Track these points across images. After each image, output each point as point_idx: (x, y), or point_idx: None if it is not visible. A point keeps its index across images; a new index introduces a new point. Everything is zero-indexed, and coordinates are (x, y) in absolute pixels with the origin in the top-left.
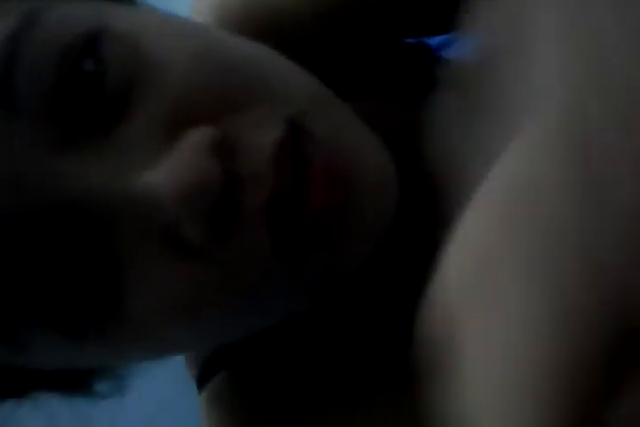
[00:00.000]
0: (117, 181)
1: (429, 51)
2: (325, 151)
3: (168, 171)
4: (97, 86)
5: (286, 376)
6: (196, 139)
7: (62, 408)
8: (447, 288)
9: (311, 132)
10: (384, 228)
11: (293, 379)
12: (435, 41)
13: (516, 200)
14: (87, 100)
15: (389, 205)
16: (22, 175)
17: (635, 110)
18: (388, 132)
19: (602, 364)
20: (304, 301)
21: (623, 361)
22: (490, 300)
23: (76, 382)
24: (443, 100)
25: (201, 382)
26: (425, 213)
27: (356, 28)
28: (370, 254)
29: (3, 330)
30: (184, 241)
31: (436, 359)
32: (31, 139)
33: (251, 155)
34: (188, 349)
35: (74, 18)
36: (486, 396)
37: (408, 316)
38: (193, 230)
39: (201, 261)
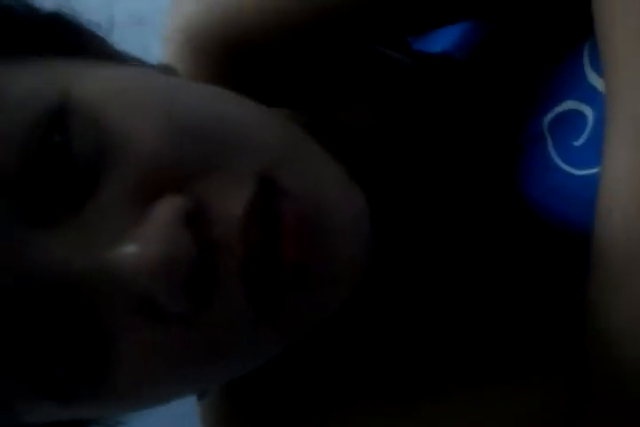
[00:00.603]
0: (91, 256)
1: (411, 53)
2: (296, 203)
3: (140, 245)
4: (65, 161)
5: (283, 387)
6: (166, 210)
7: None
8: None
9: (283, 187)
10: (361, 269)
11: (290, 390)
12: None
13: None
14: (56, 177)
15: (364, 247)
16: None
17: None
18: (369, 139)
19: None
20: (287, 343)
21: None
22: None
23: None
24: None
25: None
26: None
27: (327, 38)
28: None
29: None
30: (163, 311)
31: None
32: (1, 220)
33: (220, 221)
34: (176, 399)
35: (36, 92)
36: None
37: (401, 330)
38: (171, 304)
39: (182, 326)
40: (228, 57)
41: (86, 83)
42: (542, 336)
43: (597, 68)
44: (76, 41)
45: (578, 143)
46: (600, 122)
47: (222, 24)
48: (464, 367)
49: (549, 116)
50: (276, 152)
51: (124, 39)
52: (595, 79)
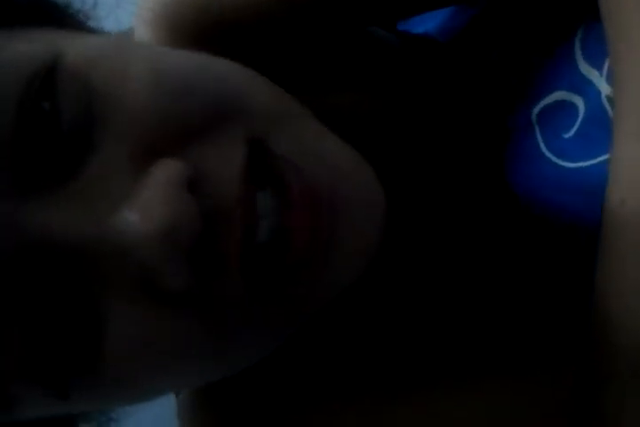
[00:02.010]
0: (90, 223)
1: (397, 33)
2: (300, 175)
3: (144, 210)
4: (55, 127)
5: (268, 382)
6: (165, 173)
7: None
8: None
9: (276, 153)
10: (372, 250)
11: (277, 384)
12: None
13: None
14: (48, 142)
15: (376, 223)
16: None
17: None
18: (363, 123)
19: None
20: (284, 333)
21: None
22: None
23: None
24: None
25: None
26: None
27: (315, 20)
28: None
29: None
30: (163, 286)
31: None
32: None
33: (219, 187)
34: (171, 390)
35: (26, 56)
36: None
37: (398, 324)
38: (172, 275)
39: (179, 305)
40: (209, 40)
41: (75, 48)
42: (543, 329)
43: (589, 57)
44: (61, 15)
45: (568, 135)
46: (591, 114)
47: (203, 5)
48: (465, 361)
49: (538, 107)
50: (273, 114)
51: (107, 17)
52: (586, 68)
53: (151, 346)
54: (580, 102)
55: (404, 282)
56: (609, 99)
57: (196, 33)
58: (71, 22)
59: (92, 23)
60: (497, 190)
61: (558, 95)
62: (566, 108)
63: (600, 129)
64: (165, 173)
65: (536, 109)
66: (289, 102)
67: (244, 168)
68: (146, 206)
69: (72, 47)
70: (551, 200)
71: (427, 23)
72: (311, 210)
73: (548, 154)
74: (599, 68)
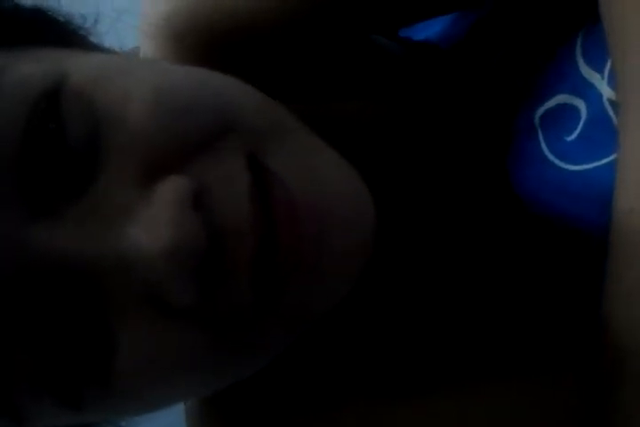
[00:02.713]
0: (96, 242)
1: (399, 41)
2: (289, 191)
3: (149, 227)
4: (61, 148)
5: (273, 385)
6: (171, 190)
7: None
8: None
9: (272, 171)
10: (364, 260)
11: (280, 387)
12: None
13: None
14: (53, 163)
15: (365, 237)
16: None
17: None
18: (366, 129)
19: None
20: (289, 339)
21: None
22: None
23: None
24: None
25: None
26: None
27: (318, 29)
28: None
29: (4, 405)
30: (169, 303)
31: None
32: (3, 210)
33: (224, 202)
34: (178, 401)
35: (31, 78)
36: None
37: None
38: (179, 292)
39: (187, 319)
40: (212, 52)
41: (79, 68)
42: (544, 331)
43: (590, 60)
44: (63, 33)
45: (570, 138)
46: (593, 116)
47: (207, 16)
48: (465, 363)
49: (541, 110)
50: (264, 129)
51: (108, 32)
52: (588, 72)
53: (159, 359)
54: (581, 105)
55: (406, 285)
56: (610, 102)
57: (198, 45)
58: (73, 39)
59: (93, 39)
60: (500, 194)
61: (560, 98)
62: (568, 112)
63: (602, 132)
64: (171, 190)
65: (538, 113)
66: (284, 117)
67: (250, 183)
68: (152, 224)
69: (75, 67)
70: (553, 203)
71: (428, 30)
72: (295, 222)
73: (550, 157)
74: (600, 71)
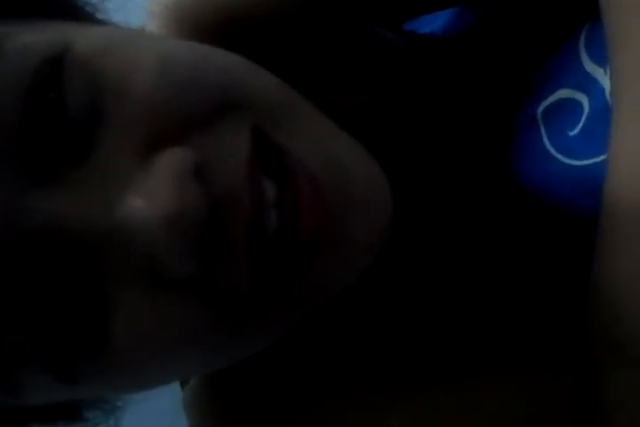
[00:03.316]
0: (96, 209)
1: (403, 34)
2: (307, 167)
3: (150, 197)
4: (62, 116)
5: (271, 374)
6: (173, 162)
7: None
8: None
9: (283, 147)
10: (381, 244)
11: (279, 377)
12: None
13: None
14: (55, 131)
15: (384, 220)
16: None
17: None
18: (368, 122)
19: None
20: (291, 326)
21: None
22: None
23: (68, 413)
24: None
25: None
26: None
27: (322, 20)
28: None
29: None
30: (168, 274)
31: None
32: (2, 177)
33: (225, 174)
34: (179, 378)
35: (34, 46)
36: None
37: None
38: (179, 263)
39: (188, 293)
40: (218, 38)
41: (84, 38)
42: (545, 327)
43: (594, 55)
44: (70, 7)
45: (573, 133)
46: (596, 111)
47: (213, 3)
48: (465, 358)
49: (543, 105)
50: (275, 106)
51: (117, 10)
52: (591, 66)
53: (157, 332)
54: (584, 100)
55: (407, 277)
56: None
57: (206, 28)
58: (80, 14)
59: (101, 16)
60: (503, 189)
61: (563, 93)
62: (571, 106)
63: (605, 126)
64: (171, 161)
65: (541, 107)
66: (296, 98)
67: (249, 153)
68: (152, 194)
69: (80, 37)
70: (556, 198)
71: (432, 23)
72: (319, 198)
73: (552, 152)
74: (604, 65)
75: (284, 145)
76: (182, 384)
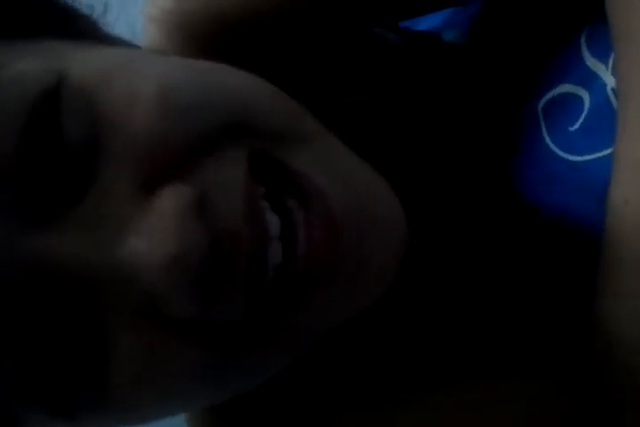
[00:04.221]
0: (96, 250)
1: (400, 31)
2: (319, 189)
3: (151, 237)
4: (59, 151)
5: (275, 390)
6: (173, 200)
7: None
8: None
9: (295, 170)
10: (397, 267)
11: (282, 392)
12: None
13: None
14: (51, 167)
15: (399, 243)
16: None
17: None
18: (368, 123)
19: None
20: (294, 356)
21: None
22: None
23: None
24: None
25: None
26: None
27: (320, 22)
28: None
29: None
30: (169, 313)
31: None
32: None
33: (225, 209)
34: (184, 411)
35: (31, 76)
36: None
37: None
38: (181, 303)
39: (187, 332)
40: (217, 43)
41: (80, 64)
42: (546, 330)
43: (595, 51)
44: (70, 24)
45: (573, 128)
46: (597, 107)
47: (205, 8)
48: (470, 360)
49: (543, 100)
50: (283, 128)
51: (117, 21)
52: (592, 63)
53: (157, 371)
54: (585, 95)
55: (409, 284)
56: (614, 91)
57: (204, 32)
58: (80, 30)
59: (103, 27)
60: (503, 187)
61: (564, 88)
62: (572, 101)
63: (605, 122)
64: (171, 199)
65: (541, 103)
66: (303, 116)
67: (248, 187)
68: (153, 234)
69: (77, 63)
70: (555, 193)
71: (429, 20)
72: (334, 226)
73: (552, 147)
74: (605, 61)
75: (293, 167)
76: None
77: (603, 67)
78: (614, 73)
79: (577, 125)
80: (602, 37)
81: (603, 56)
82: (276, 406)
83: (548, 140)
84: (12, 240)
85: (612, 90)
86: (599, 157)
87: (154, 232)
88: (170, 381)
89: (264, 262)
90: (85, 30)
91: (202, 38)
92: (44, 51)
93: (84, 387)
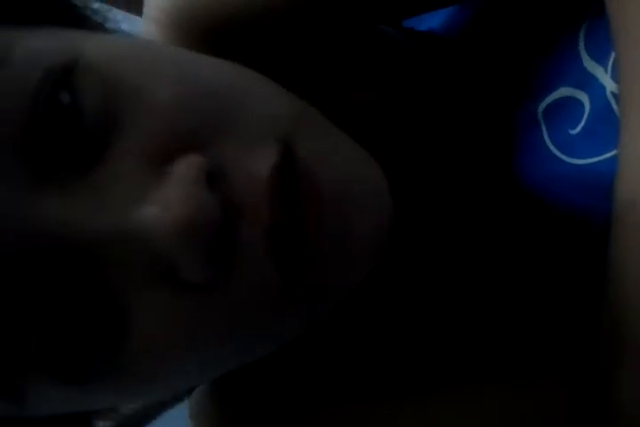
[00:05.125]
0: (108, 215)
1: (403, 30)
2: (311, 176)
3: (163, 205)
4: (74, 120)
5: (277, 383)
6: (187, 169)
7: None
8: None
9: (301, 156)
10: (382, 244)
11: (284, 387)
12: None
13: None
14: (65, 135)
15: (385, 222)
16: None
17: None
18: (369, 120)
19: None
20: (303, 325)
21: None
22: None
23: (77, 424)
24: None
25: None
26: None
27: (321, 19)
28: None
29: (2, 384)
30: (183, 277)
31: None
32: (7, 179)
33: (244, 182)
34: (191, 384)
35: (45, 51)
36: None
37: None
38: (193, 269)
39: (202, 295)
40: (215, 41)
41: (96, 44)
42: (549, 331)
43: (593, 53)
44: (79, 16)
45: (574, 131)
46: (597, 110)
47: (205, 6)
48: (468, 364)
49: (543, 103)
50: (292, 119)
51: (122, 20)
52: (591, 65)
53: (174, 335)
54: (585, 98)
55: (409, 281)
56: (614, 95)
57: (206, 33)
58: (89, 23)
59: (109, 26)
60: (505, 189)
61: (563, 91)
62: (572, 105)
63: (606, 125)
64: (185, 167)
65: (542, 106)
66: (308, 108)
67: (277, 163)
68: (165, 201)
69: (92, 44)
70: (558, 197)
71: (430, 20)
72: (319, 201)
73: (554, 150)
74: (604, 64)
75: (303, 156)
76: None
77: (601, 69)
78: (613, 76)
79: (578, 129)
80: (600, 39)
81: (601, 58)
82: (278, 404)
83: (549, 143)
84: (22, 200)
85: (612, 93)
86: (600, 160)
87: (164, 198)
88: (186, 345)
89: (282, 231)
90: (95, 24)
91: (203, 38)
92: (56, 33)
93: (99, 352)
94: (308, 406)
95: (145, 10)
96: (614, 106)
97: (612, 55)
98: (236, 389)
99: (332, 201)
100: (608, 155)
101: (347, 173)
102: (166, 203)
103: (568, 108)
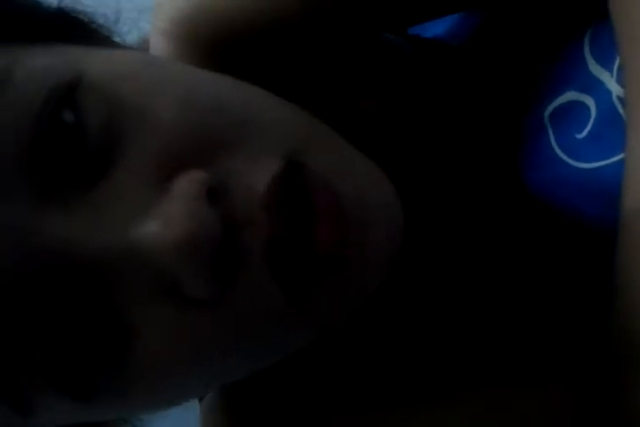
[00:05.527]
0: (110, 232)
1: (408, 37)
2: (328, 187)
3: (164, 221)
4: (78, 139)
5: (286, 391)
6: (189, 185)
7: None
8: None
9: (312, 169)
10: (393, 258)
11: (293, 394)
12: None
13: None
14: (69, 153)
15: (398, 235)
16: (2, 232)
17: None
18: (375, 128)
19: None
20: (312, 337)
21: None
22: None
23: None
24: None
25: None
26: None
27: (325, 29)
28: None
29: (10, 396)
30: (186, 293)
31: None
32: (13, 198)
33: (243, 195)
34: (197, 396)
35: (49, 70)
36: None
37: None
38: (196, 285)
39: (207, 310)
40: (222, 53)
41: (100, 62)
42: (555, 336)
43: (599, 57)
44: (84, 32)
45: (581, 136)
46: (603, 114)
47: (213, 18)
48: (476, 369)
49: (550, 108)
50: (300, 135)
51: (130, 31)
52: (596, 69)
53: (177, 350)
54: (591, 103)
55: (419, 288)
56: (620, 99)
57: (213, 42)
58: (94, 38)
59: (115, 38)
60: (511, 193)
61: (569, 96)
62: (578, 109)
63: (613, 129)
64: (186, 183)
65: (548, 110)
66: (316, 123)
67: (277, 177)
68: (166, 217)
69: (95, 61)
70: (565, 201)
71: (436, 27)
72: (336, 221)
73: (560, 154)
74: (609, 68)
75: (318, 170)
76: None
77: (607, 73)
78: (619, 80)
79: (584, 133)
80: (606, 44)
81: (606, 62)
82: (287, 408)
83: (555, 147)
84: (27, 218)
85: (618, 97)
86: (607, 165)
87: (165, 214)
88: (190, 359)
89: (282, 244)
90: (100, 39)
91: (210, 50)
92: (59, 51)
93: (104, 367)
94: (319, 414)
95: (152, 20)
96: (620, 110)
97: (618, 60)
98: (246, 397)
99: (350, 215)
100: (615, 159)
101: (360, 186)
102: (167, 219)
103: (574, 112)
